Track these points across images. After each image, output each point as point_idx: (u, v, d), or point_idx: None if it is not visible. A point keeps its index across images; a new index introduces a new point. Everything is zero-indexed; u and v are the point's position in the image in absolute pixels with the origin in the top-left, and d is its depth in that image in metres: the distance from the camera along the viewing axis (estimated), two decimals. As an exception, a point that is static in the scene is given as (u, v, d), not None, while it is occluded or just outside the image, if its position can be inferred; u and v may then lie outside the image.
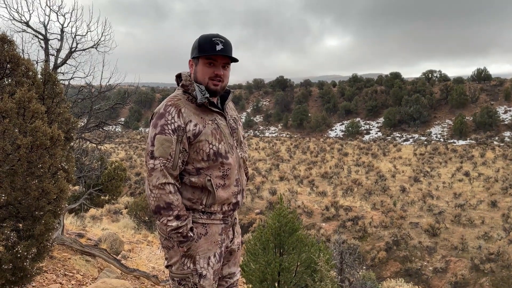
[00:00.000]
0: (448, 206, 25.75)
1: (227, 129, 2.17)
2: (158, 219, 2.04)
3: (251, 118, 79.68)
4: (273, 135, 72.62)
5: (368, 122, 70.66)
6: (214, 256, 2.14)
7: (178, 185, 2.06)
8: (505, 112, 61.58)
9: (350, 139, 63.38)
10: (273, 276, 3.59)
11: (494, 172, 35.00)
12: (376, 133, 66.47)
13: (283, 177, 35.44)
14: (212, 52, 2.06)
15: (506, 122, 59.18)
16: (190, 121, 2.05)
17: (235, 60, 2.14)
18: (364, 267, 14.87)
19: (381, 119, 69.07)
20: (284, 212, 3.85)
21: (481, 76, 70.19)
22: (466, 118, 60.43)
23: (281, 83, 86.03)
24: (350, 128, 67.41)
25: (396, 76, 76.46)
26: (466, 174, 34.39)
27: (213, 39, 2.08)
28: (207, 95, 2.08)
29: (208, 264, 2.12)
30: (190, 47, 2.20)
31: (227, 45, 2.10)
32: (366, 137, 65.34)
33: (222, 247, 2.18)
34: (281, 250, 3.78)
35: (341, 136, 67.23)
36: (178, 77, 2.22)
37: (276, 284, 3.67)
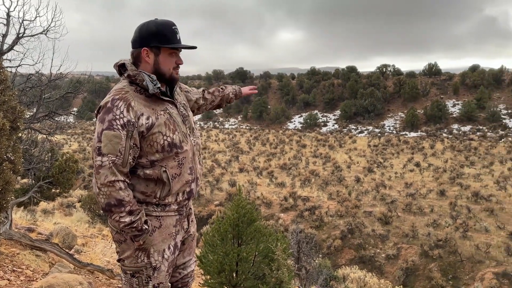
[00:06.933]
0: (400, 195, 26.81)
1: (179, 117, 2.09)
2: (110, 216, 1.93)
3: (210, 109, 79.15)
4: (233, 126, 72.57)
5: (325, 114, 72.12)
6: (169, 248, 2.09)
7: (128, 181, 1.94)
8: (454, 105, 64.80)
9: (308, 131, 64.48)
10: (231, 267, 3.60)
11: (443, 163, 36.84)
12: (333, 125, 68.02)
13: (242, 168, 35.54)
14: (177, 42, 2.00)
15: (454, 115, 62.31)
16: (142, 114, 1.93)
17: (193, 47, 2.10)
18: (320, 255, 15.23)
19: (338, 112, 70.71)
20: (243, 203, 3.85)
21: (432, 71, 73.33)
22: (418, 111, 63.03)
23: (241, 75, 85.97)
24: (308, 120, 68.55)
25: (352, 69, 78.35)
26: (417, 164, 35.94)
27: (173, 27, 2.00)
28: (159, 85, 1.99)
29: (163, 256, 2.07)
30: None
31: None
32: (324, 129, 66.73)
33: (176, 239, 2.12)
34: (239, 241, 3.79)
35: (300, 128, 68.27)
36: (121, 66, 2.03)
37: (234, 274, 3.68)
